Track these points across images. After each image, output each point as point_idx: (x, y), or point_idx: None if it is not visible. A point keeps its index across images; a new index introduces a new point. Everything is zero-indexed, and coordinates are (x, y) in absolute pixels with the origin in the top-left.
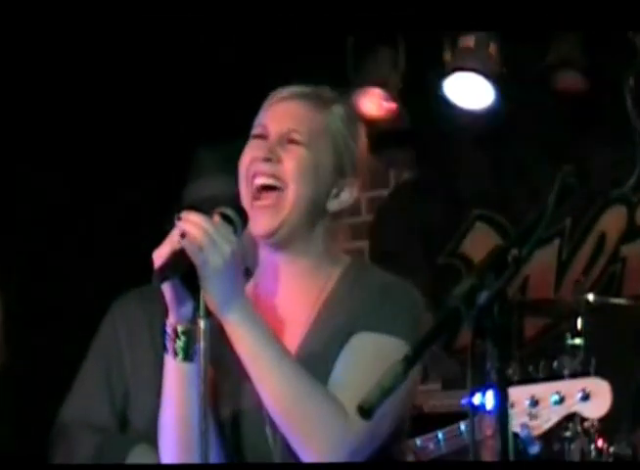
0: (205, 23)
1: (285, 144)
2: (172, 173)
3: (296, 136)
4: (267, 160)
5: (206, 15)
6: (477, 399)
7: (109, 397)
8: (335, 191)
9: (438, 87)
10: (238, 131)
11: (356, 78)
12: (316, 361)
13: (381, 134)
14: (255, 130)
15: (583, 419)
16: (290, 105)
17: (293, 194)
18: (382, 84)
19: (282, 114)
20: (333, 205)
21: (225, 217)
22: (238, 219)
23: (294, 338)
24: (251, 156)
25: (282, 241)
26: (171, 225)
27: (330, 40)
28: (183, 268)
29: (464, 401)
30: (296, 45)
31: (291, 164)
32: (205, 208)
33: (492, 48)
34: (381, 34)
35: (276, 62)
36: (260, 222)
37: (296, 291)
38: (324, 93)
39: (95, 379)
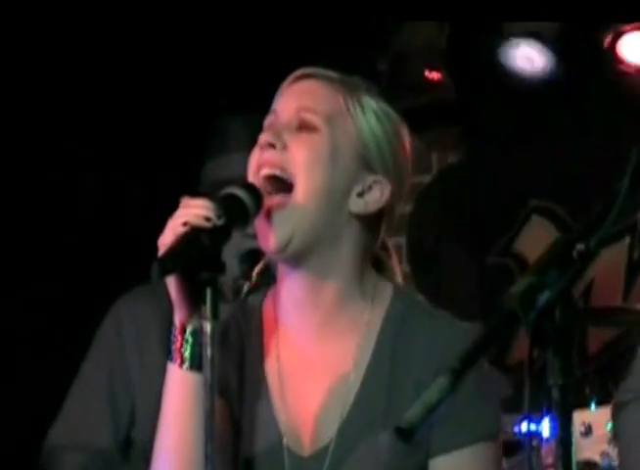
0: None
1: (294, 127)
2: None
3: (307, 115)
4: (271, 146)
5: None
6: (524, 427)
7: (111, 414)
8: (359, 188)
9: (491, 53)
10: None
11: (395, 42)
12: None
13: (422, 109)
14: (267, 120)
15: None
16: (305, 83)
17: (303, 189)
18: (424, 49)
19: (294, 93)
20: (357, 205)
21: (235, 199)
22: (250, 201)
23: (331, 410)
24: (257, 145)
25: (297, 255)
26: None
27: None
28: (187, 259)
29: (517, 429)
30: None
31: (300, 150)
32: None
33: None
34: None
35: (309, 25)
36: (267, 235)
37: (324, 335)
38: (350, 81)
39: (95, 392)
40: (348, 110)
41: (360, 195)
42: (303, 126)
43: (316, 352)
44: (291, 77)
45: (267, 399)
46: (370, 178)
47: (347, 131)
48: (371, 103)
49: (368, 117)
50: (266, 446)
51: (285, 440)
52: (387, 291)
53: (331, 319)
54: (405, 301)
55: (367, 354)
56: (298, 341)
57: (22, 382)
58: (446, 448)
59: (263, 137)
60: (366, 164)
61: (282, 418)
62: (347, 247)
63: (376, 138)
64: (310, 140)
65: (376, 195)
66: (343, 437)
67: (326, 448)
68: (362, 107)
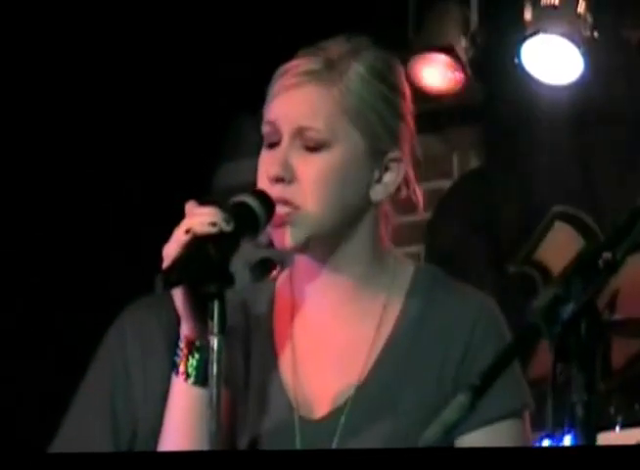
0: None
1: (300, 149)
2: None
3: (311, 134)
4: (280, 180)
5: None
6: (546, 444)
7: (112, 430)
8: (376, 175)
9: (517, 54)
10: None
11: (417, 41)
12: (371, 415)
13: (445, 111)
14: (265, 130)
15: None
16: (298, 93)
17: (315, 212)
18: (448, 49)
19: (289, 103)
20: (377, 192)
21: (245, 207)
22: (260, 209)
23: (347, 377)
24: (264, 172)
25: (317, 252)
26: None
27: None
28: (192, 271)
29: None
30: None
31: (311, 179)
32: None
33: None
34: None
35: (322, 24)
36: (282, 233)
37: (345, 312)
38: (334, 54)
39: (96, 407)
40: (344, 104)
41: (378, 180)
42: (310, 147)
43: (333, 330)
44: (279, 83)
45: (276, 370)
46: (382, 161)
47: (352, 130)
48: (359, 70)
49: (361, 92)
50: (275, 416)
51: (295, 408)
52: (408, 269)
53: (348, 299)
54: (426, 278)
55: (387, 330)
56: (315, 318)
57: (24, 389)
58: (476, 425)
59: (271, 170)
60: (376, 151)
61: (293, 387)
62: (368, 230)
63: (377, 114)
64: (321, 162)
65: (393, 174)
66: (359, 401)
67: (340, 409)
68: (352, 85)
